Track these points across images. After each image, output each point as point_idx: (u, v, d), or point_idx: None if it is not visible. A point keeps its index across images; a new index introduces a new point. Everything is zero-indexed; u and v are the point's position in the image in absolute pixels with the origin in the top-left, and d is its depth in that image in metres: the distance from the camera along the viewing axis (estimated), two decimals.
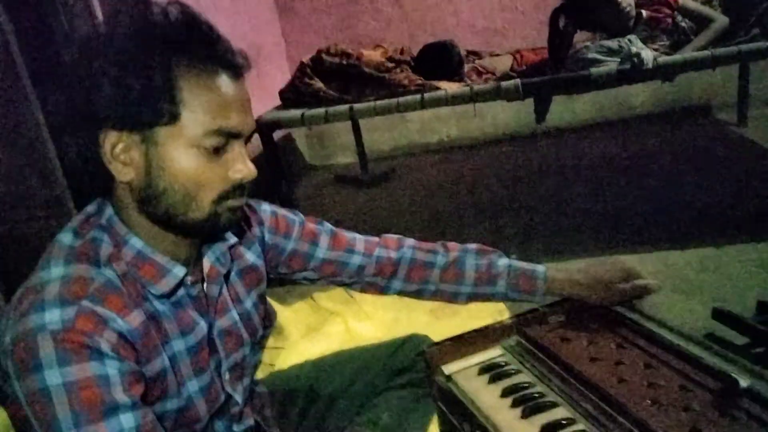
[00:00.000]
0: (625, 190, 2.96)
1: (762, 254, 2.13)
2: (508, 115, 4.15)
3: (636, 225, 2.49)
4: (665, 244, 2.22)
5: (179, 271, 0.82)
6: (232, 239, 0.91)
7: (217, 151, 0.77)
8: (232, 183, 0.79)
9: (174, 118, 0.74)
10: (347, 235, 1.09)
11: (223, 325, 0.90)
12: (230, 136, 0.78)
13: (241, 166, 0.79)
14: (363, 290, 1.13)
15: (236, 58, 0.79)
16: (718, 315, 1.32)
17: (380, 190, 3.74)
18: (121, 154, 0.75)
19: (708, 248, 2.19)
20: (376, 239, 1.11)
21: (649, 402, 0.83)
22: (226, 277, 0.92)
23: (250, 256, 0.97)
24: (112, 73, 0.72)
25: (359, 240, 1.09)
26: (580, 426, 0.83)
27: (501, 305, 1.71)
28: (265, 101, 2.91)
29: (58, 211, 1.78)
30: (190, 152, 0.75)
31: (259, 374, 1.22)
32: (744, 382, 0.81)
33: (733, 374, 0.82)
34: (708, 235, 2.29)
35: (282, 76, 3.64)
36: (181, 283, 0.83)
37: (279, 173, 2.59)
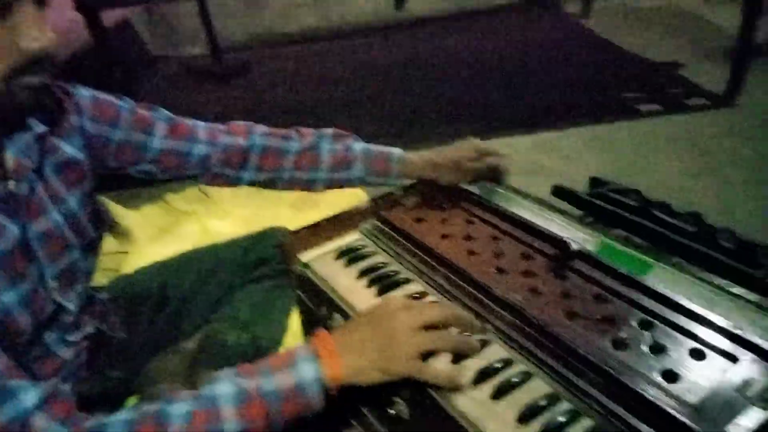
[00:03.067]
0: (477, 80, 3.04)
1: (598, 134, 2.32)
2: (367, 3, 4.01)
3: (485, 112, 2.59)
4: (514, 129, 2.35)
5: None
6: (40, 127, 0.77)
7: (2, 15, 0.62)
8: (25, 54, 0.65)
9: None
10: (187, 122, 0.98)
11: (41, 227, 0.78)
12: None
13: (36, 33, 0.65)
14: (212, 183, 1.05)
15: None
16: (558, 192, 1.43)
17: (237, 83, 3.50)
18: None
19: (551, 132, 2.34)
20: (221, 126, 1.01)
21: (494, 270, 0.87)
22: (39, 173, 0.79)
23: (69, 149, 0.84)
24: None
25: (202, 127, 0.99)
26: (432, 297, 0.86)
27: (361, 195, 1.71)
28: None
29: None
30: None
31: (102, 280, 1.12)
32: (575, 245, 0.87)
33: (565, 239, 0.88)
34: (551, 120, 2.46)
35: None
36: None
37: (112, 63, 2.28)
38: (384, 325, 0.68)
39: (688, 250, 1.11)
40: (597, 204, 1.29)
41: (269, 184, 1.06)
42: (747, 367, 0.66)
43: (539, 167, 2.03)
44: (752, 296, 0.81)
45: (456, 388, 0.69)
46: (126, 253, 1.45)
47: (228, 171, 1.01)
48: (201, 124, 0.99)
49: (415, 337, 0.67)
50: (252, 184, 1.06)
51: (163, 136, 0.94)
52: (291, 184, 1.06)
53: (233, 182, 1.05)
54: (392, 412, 0.80)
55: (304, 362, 0.66)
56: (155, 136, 0.94)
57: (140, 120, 0.93)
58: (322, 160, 1.04)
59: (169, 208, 1.72)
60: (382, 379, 0.68)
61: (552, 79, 2.97)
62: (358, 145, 1.06)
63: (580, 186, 1.45)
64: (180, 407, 0.61)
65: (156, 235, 1.52)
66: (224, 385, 0.63)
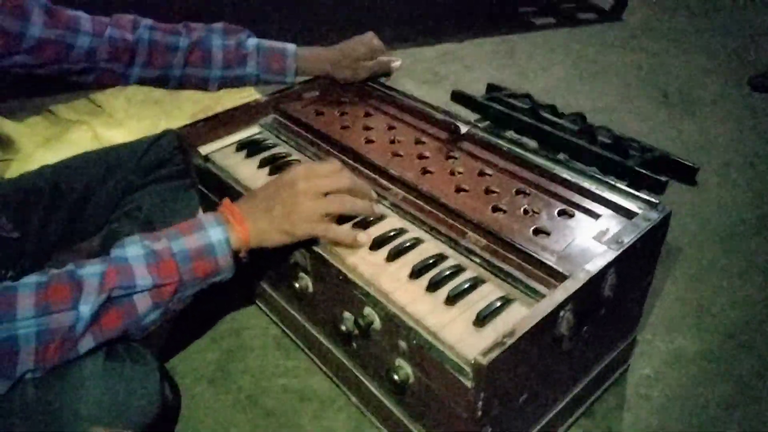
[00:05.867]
0: None
1: (496, 45, 2.40)
2: None
3: (391, 24, 2.59)
4: (417, 40, 2.37)
5: None
6: None
7: None
8: None
9: None
10: (67, 11, 0.92)
11: None
12: None
13: None
14: (99, 80, 0.99)
15: None
16: (456, 97, 1.49)
17: None
18: None
19: (453, 43, 2.39)
20: (105, 18, 0.95)
21: (390, 155, 0.92)
22: None
23: None
24: None
25: (85, 18, 0.93)
26: None
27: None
28: None
29: None
30: None
31: None
32: (464, 128, 0.93)
33: (455, 122, 0.94)
34: (453, 32, 2.50)
35: None
36: None
37: None
38: (286, 191, 0.71)
39: (571, 146, 1.22)
40: (491, 107, 1.37)
41: (160, 82, 1.03)
42: (606, 221, 0.76)
43: (441, 77, 2.07)
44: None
45: (357, 246, 0.75)
46: (10, 160, 1.35)
47: (116, 66, 0.96)
48: (83, 14, 0.93)
49: (317, 202, 0.71)
50: (142, 82, 1.02)
51: (42, 24, 0.88)
52: (183, 83, 1.03)
53: (122, 79, 1.00)
54: (297, 285, 0.85)
55: (211, 226, 0.68)
56: (31, 22, 0.87)
57: (13, 4, 0.86)
58: (214, 56, 1.01)
59: (57, 118, 1.61)
60: (288, 241, 0.72)
61: None
62: (252, 41, 1.04)
63: (480, 93, 1.52)
64: (92, 268, 0.62)
65: (43, 143, 1.43)
66: (133, 247, 0.65)
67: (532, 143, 1.29)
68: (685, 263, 1.21)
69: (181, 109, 1.82)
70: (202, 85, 1.05)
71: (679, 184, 1.22)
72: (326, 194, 0.73)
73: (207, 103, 1.83)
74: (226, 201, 0.72)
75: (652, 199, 0.79)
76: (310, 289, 0.84)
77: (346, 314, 0.77)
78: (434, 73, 2.09)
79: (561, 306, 0.62)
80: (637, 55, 2.31)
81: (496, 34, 2.46)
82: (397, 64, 1.15)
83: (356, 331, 0.75)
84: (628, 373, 0.96)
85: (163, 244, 0.65)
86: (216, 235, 0.67)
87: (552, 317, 0.61)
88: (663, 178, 1.11)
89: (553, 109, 1.39)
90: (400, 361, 0.70)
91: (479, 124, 1.40)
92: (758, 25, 2.60)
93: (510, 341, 0.57)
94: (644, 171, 1.11)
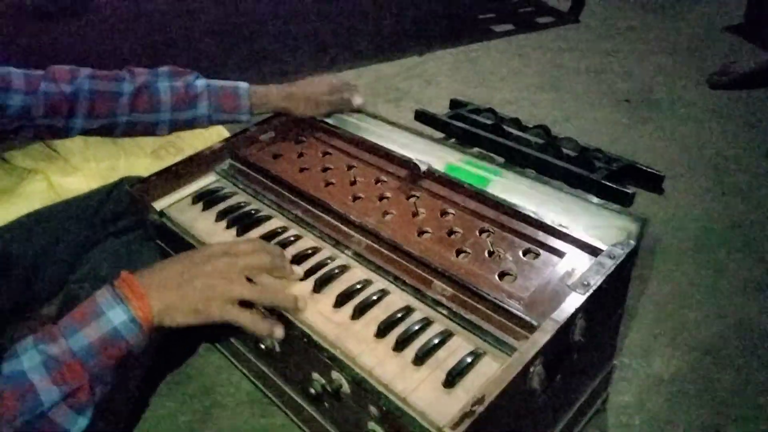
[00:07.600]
0: (339, 10, 2.98)
1: (457, 56, 2.39)
2: None
3: (351, 42, 2.57)
4: (377, 57, 2.35)
5: None
6: None
7: None
8: None
9: None
10: None
11: None
12: None
13: None
14: (40, 136, 0.96)
15: None
16: (419, 116, 1.47)
17: (78, 23, 3.15)
18: None
19: (412, 58, 2.38)
20: (39, 72, 0.92)
21: (351, 197, 0.90)
22: None
23: None
24: None
25: (16, 75, 0.89)
26: (293, 231, 0.87)
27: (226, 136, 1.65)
28: None
29: None
30: None
31: None
32: (423, 166, 0.91)
33: (414, 160, 0.92)
34: (412, 46, 2.49)
35: None
36: None
37: None
38: (202, 267, 0.66)
39: (537, 161, 1.21)
40: (455, 125, 1.36)
41: (106, 132, 0.99)
42: (571, 260, 0.75)
43: (404, 93, 2.06)
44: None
45: (270, 335, 0.69)
46: None
47: (55, 121, 0.93)
48: (15, 71, 0.89)
49: (233, 284, 0.66)
50: (86, 132, 0.98)
51: None
52: (131, 130, 1.00)
53: (64, 133, 0.96)
54: (263, 346, 0.82)
55: (110, 308, 0.60)
56: None
57: None
58: (161, 99, 0.98)
59: (10, 166, 1.55)
60: (198, 322, 0.65)
61: (411, 6, 2.99)
62: (201, 81, 1.01)
63: (444, 107, 1.51)
64: None
65: None
66: (28, 356, 0.56)
67: (499, 159, 1.30)
68: (657, 278, 1.21)
69: (141, 146, 1.77)
70: (151, 130, 1.01)
71: (647, 192, 1.21)
72: (246, 271, 0.68)
73: (168, 138, 1.78)
74: (124, 273, 0.64)
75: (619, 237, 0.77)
76: (277, 349, 0.81)
77: (315, 375, 0.74)
78: (397, 89, 2.08)
79: (530, 363, 0.60)
80: (597, 58, 2.32)
81: (456, 45, 2.46)
82: (359, 101, 1.13)
83: (326, 395, 0.72)
84: (609, 401, 0.95)
85: (60, 346, 0.57)
86: (118, 317, 0.60)
87: (522, 375, 0.60)
88: (630, 191, 1.11)
89: (516, 122, 1.39)
90: (372, 425, 0.67)
91: (444, 143, 1.40)
92: (710, 22, 2.64)
93: (479, 409, 0.55)
94: (610, 184, 1.11)
